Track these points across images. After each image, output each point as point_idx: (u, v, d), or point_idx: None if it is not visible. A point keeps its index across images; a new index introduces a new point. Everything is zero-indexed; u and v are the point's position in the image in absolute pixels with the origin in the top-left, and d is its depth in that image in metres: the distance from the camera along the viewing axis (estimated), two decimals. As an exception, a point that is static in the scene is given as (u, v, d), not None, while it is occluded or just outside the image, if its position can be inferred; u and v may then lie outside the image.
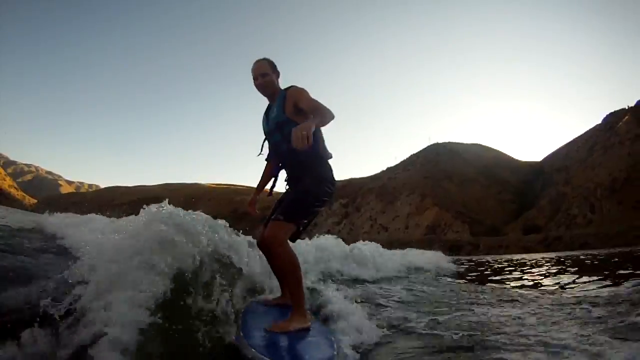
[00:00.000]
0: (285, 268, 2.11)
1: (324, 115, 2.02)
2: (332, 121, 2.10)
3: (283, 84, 2.44)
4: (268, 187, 2.61)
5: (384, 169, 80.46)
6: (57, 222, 4.21)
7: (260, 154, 2.55)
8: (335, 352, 1.75)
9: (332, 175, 2.37)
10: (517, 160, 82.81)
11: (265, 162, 2.60)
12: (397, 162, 78.71)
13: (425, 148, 76.65)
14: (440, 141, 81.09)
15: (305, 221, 2.27)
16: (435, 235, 46.63)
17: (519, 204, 54.68)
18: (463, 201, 52.68)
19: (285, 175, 2.47)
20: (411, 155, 75.85)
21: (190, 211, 2.39)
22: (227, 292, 2.07)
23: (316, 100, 2.20)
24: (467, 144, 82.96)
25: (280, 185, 2.61)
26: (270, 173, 2.62)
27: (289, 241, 2.17)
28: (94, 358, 1.29)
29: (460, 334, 2.26)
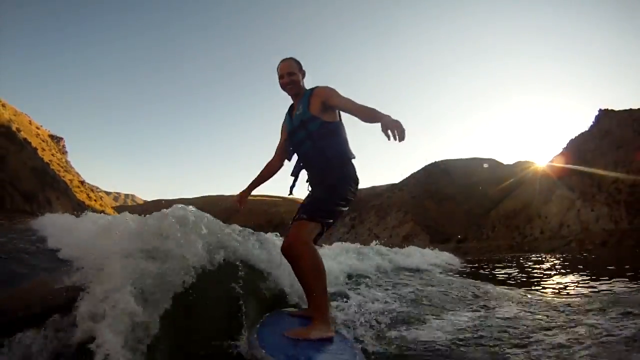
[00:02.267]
0: (308, 270, 1.90)
1: (366, 108, 2.04)
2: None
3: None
4: (268, 181, 2.54)
5: (388, 184, 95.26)
6: (57, 221, 4.07)
7: (290, 157, 2.50)
8: None
9: (356, 175, 2.28)
10: (510, 169, 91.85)
11: (268, 161, 2.55)
12: (402, 178, 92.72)
13: (420, 170, 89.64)
14: (438, 159, 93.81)
15: (331, 221, 2.10)
16: (407, 242, 60.76)
17: (482, 216, 66.47)
18: (435, 217, 65.81)
19: (307, 175, 2.37)
20: (409, 176, 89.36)
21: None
22: (244, 300, 1.94)
23: (349, 99, 2.19)
24: (464, 159, 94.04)
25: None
26: (269, 172, 2.55)
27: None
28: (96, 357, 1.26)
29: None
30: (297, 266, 1.97)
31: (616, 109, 44.63)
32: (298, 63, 2.40)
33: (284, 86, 2.39)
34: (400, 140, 1.78)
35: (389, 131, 1.78)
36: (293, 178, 2.47)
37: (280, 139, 2.57)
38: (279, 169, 2.58)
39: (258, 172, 2.58)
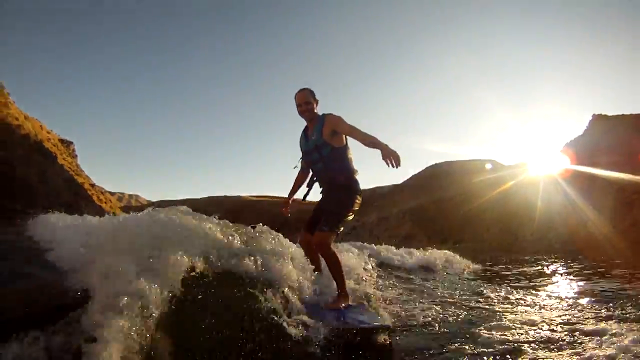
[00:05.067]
0: (333, 266, 2.74)
1: (366, 135, 2.56)
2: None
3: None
4: (301, 194, 3.20)
5: (391, 184, 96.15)
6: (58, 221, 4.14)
7: (295, 167, 3.12)
8: (379, 317, 2.62)
9: (359, 187, 2.95)
10: (510, 170, 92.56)
11: (297, 173, 3.23)
12: (405, 178, 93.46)
13: (422, 171, 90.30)
14: (438, 161, 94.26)
15: (342, 228, 2.85)
16: (406, 243, 61.76)
17: (479, 217, 67.58)
18: (433, 217, 66.74)
19: (320, 186, 3.05)
20: (410, 177, 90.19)
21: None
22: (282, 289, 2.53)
23: (353, 126, 2.69)
24: (465, 161, 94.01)
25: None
26: (301, 182, 3.23)
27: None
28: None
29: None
30: (326, 262, 2.81)
31: (609, 114, 45.45)
32: (312, 93, 2.92)
33: (301, 113, 2.97)
34: (396, 167, 2.31)
35: (388, 159, 2.36)
36: (307, 188, 3.15)
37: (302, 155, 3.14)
38: (305, 180, 3.24)
39: (292, 185, 3.29)
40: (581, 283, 5.22)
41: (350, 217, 2.87)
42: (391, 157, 2.36)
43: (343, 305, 2.72)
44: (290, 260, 3.10)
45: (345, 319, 2.48)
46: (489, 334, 2.57)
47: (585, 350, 2.12)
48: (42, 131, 52.13)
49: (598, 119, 50.90)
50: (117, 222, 2.83)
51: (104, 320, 1.49)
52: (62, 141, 59.19)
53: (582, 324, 2.71)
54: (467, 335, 2.55)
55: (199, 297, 2.15)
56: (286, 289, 2.67)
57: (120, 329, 1.47)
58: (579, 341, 2.32)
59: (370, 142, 2.55)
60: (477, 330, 2.66)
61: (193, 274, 2.32)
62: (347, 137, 2.95)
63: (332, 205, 2.90)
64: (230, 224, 3.12)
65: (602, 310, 3.11)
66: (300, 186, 3.28)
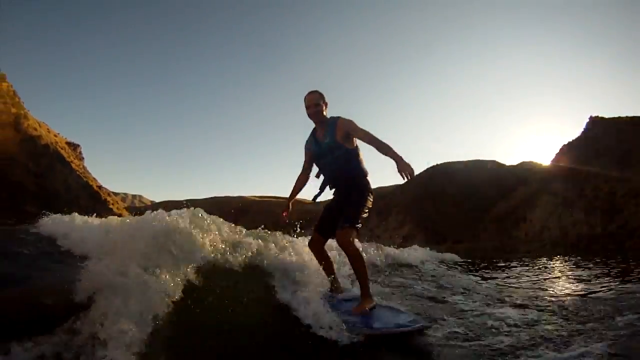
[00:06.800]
0: (356, 262, 2.61)
1: (382, 142, 2.56)
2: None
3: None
4: (301, 196, 3.09)
5: (393, 185, 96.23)
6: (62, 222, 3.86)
7: (318, 175, 3.03)
8: (411, 317, 2.43)
9: (371, 187, 2.92)
10: (511, 171, 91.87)
11: (298, 175, 3.12)
12: (404, 180, 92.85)
13: (422, 172, 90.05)
14: (439, 162, 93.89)
15: (360, 225, 2.76)
16: (406, 243, 61.70)
17: (477, 218, 67.61)
18: (434, 217, 67.08)
19: (331, 187, 2.94)
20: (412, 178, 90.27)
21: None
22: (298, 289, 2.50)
23: (367, 131, 2.70)
24: (465, 162, 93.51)
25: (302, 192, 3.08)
26: (301, 185, 3.13)
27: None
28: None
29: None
30: (349, 259, 2.68)
31: (606, 116, 45.67)
32: (322, 95, 2.92)
33: (310, 116, 2.91)
34: (410, 179, 2.43)
35: (403, 173, 2.42)
36: (319, 190, 3.04)
37: (305, 157, 3.13)
38: (307, 182, 3.19)
39: (292, 188, 3.19)
40: (561, 282, 5.47)
41: (365, 215, 2.88)
42: (407, 170, 2.44)
43: (368, 307, 2.60)
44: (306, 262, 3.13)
45: (376, 323, 2.36)
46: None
47: (548, 348, 2.16)
48: (50, 134, 53.13)
49: (595, 120, 50.77)
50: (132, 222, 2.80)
51: (111, 321, 1.48)
52: (69, 144, 59.97)
53: (550, 321, 2.82)
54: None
55: (210, 295, 2.19)
56: (308, 291, 2.64)
57: (127, 330, 1.46)
58: (544, 343, 2.31)
59: (386, 151, 2.57)
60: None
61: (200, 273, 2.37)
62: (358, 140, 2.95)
63: (350, 204, 2.85)
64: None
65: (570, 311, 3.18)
66: (300, 189, 3.20)
